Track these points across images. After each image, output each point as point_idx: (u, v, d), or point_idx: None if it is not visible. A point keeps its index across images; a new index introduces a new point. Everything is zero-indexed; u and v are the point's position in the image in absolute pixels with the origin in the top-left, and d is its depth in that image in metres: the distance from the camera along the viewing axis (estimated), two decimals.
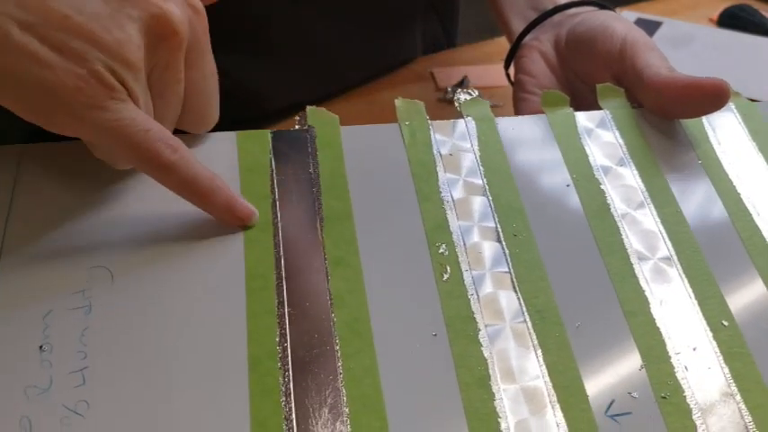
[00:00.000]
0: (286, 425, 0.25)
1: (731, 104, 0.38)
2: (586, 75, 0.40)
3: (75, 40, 0.26)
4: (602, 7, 0.43)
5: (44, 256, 0.29)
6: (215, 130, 0.34)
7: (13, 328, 0.26)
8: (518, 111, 0.42)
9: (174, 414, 0.25)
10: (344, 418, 0.25)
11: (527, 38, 0.44)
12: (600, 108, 0.37)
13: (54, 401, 0.25)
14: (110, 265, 0.28)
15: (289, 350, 0.27)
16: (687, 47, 0.55)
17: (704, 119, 0.37)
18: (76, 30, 0.26)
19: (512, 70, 0.45)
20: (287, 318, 0.28)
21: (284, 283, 0.28)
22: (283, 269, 0.29)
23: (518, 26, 0.45)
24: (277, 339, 0.27)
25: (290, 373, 0.26)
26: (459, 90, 0.47)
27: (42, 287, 0.28)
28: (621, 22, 0.40)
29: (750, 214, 0.33)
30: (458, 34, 0.61)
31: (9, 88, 0.26)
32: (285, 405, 0.25)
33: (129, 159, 0.29)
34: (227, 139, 0.33)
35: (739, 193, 0.34)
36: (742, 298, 0.30)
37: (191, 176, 0.28)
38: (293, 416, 0.25)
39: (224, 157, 0.32)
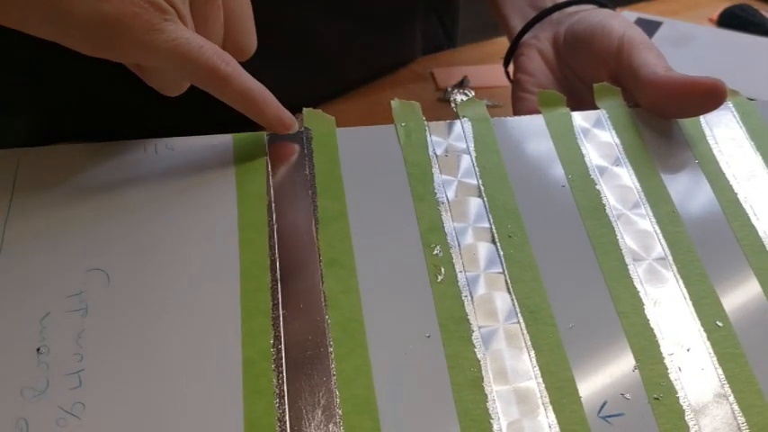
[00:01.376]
0: (279, 426, 0.25)
1: (729, 103, 0.38)
2: (584, 73, 0.40)
3: None
4: (602, 6, 0.43)
5: (41, 258, 0.29)
6: (213, 131, 0.34)
7: (11, 330, 0.27)
8: (516, 110, 0.42)
9: (168, 415, 0.25)
10: (337, 420, 0.25)
11: (526, 36, 0.44)
12: (597, 107, 0.37)
13: (50, 403, 0.25)
14: (106, 268, 0.29)
15: (283, 351, 0.27)
16: (687, 47, 0.55)
17: (702, 118, 0.36)
18: None
19: (511, 68, 0.45)
20: (281, 319, 0.28)
21: (279, 284, 0.29)
22: (278, 270, 0.29)
23: (517, 24, 0.45)
24: (271, 341, 0.27)
25: (284, 374, 0.26)
26: (456, 91, 0.47)
27: (40, 290, 0.28)
28: (619, 20, 0.40)
29: (747, 214, 0.33)
30: (458, 34, 0.61)
31: (73, 27, 0.28)
32: (279, 406, 0.26)
33: (189, 75, 0.31)
34: (224, 141, 0.34)
35: (736, 193, 0.34)
36: (737, 298, 0.30)
37: (246, 87, 0.31)
38: (286, 417, 0.25)
39: (220, 159, 0.33)
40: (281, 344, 0.27)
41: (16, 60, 0.45)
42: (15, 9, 0.28)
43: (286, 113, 0.33)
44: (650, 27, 0.57)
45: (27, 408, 0.25)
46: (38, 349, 0.26)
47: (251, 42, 0.34)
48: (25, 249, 0.29)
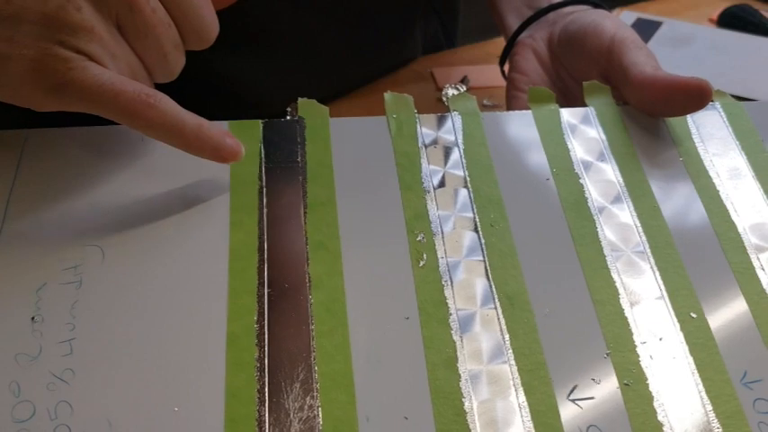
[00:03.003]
0: (258, 397, 0.26)
1: (717, 104, 0.38)
2: (577, 72, 0.41)
3: (21, 25, 0.27)
4: (597, 6, 0.44)
5: (41, 232, 0.30)
6: None
7: (8, 299, 0.28)
8: (510, 108, 0.43)
9: (153, 384, 0.26)
10: (315, 393, 0.26)
11: (522, 35, 0.45)
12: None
13: (42, 369, 0.26)
14: (101, 244, 0.30)
15: (266, 328, 0.28)
16: (687, 47, 0.55)
17: (689, 117, 0.37)
18: (16, 15, 0.27)
19: (507, 67, 0.46)
20: (266, 298, 0.29)
21: (266, 265, 0.30)
22: (266, 252, 0.30)
23: (513, 23, 0.46)
24: (255, 318, 0.28)
25: (266, 348, 0.27)
26: (448, 85, 0.48)
27: (38, 262, 0.29)
28: (611, 20, 0.40)
29: (727, 211, 0.33)
30: (458, 34, 0.62)
31: None
32: (258, 379, 0.27)
33: (114, 119, 0.29)
34: (220, 127, 0.35)
35: (718, 191, 0.34)
36: (712, 291, 0.31)
37: (173, 127, 0.29)
38: (266, 389, 0.26)
39: None
40: (264, 320, 0.28)
41: None
42: None
43: (229, 145, 0.30)
44: (650, 27, 0.58)
45: (20, 372, 0.26)
46: (32, 318, 0.28)
47: (211, 29, 0.32)
48: (27, 224, 0.30)
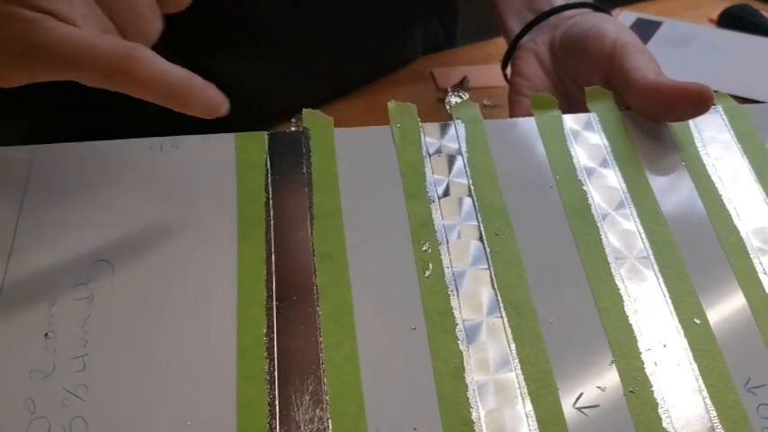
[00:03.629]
0: (269, 409, 0.27)
1: (718, 106, 0.38)
2: (579, 77, 0.41)
3: None
4: (598, 9, 0.44)
5: (52, 249, 0.31)
6: (216, 131, 0.35)
7: (22, 316, 0.28)
8: (512, 112, 0.43)
9: (166, 397, 0.27)
10: (324, 405, 0.27)
11: (523, 39, 0.45)
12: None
13: (56, 385, 0.27)
14: (111, 259, 0.30)
15: (275, 340, 0.28)
16: (687, 47, 0.55)
17: (691, 121, 0.37)
18: None
19: (509, 71, 0.46)
20: (275, 310, 0.29)
21: (273, 277, 0.30)
22: (273, 264, 0.31)
23: (515, 27, 0.46)
24: (264, 330, 0.29)
25: (276, 361, 0.28)
26: (451, 93, 0.48)
27: (50, 279, 0.30)
28: (613, 24, 0.41)
29: (730, 216, 0.34)
30: (458, 34, 0.62)
31: None
32: (269, 391, 0.27)
33: (92, 82, 0.27)
34: (226, 140, 0.35)
35: (720, 195, 0.34)
36: (716, 297, 0.31)
37: (160, 83, 0.27)
38: (276, 401, 0.27)
39: (222, 157, 0.34)
40: (273, 333, 0.29)
41: None
42: None
43: (212, 96, 0.28)
44: (650, 27, 0.58)
45: (35, 389, 0.27)
46: (46, 334, 0.28)
47: None
48: (38, 240, 0.31)
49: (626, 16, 0.60)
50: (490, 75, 0.52)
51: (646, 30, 0.57)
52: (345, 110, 0.51)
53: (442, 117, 0.37)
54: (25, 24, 0.25)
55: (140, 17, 0.28)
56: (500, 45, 0.48)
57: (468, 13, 0.62)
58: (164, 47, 0.47)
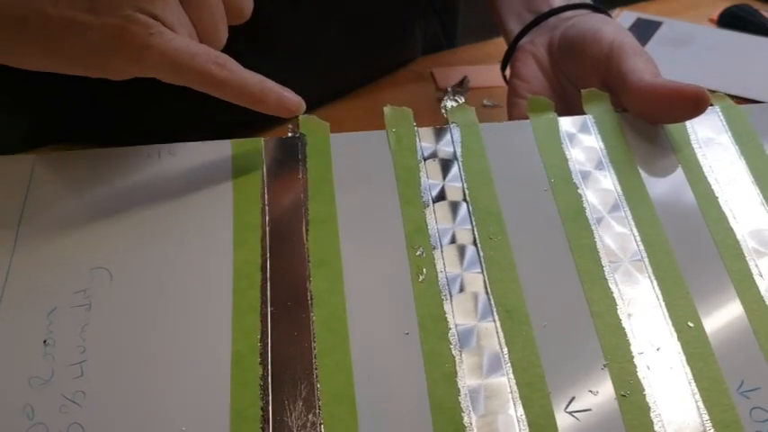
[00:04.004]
0: (262, 415, 0.27)
1: (716, 108, 0.38)
2: (577, 79, 0.41)
3: None
4: (597, 10, 0.44)
5: (51, 256, 0.31)
6: (214, 137, 0.36)
7: (21, 323, 0.29)
8: (511, 115, 0.43)
9: (161, 403, 0.27)
10: (317, 410, 0.27)
11: (522, 40, 0.45)
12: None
13: (54, 391, 0.27)
14: (109, 267, 0.31)
15: (269, 347, 0.29)
16: (687, 47, 0.55)
17: (688, 122, 0.37)
18: None
19: (508, 72, 0.46)
20: (269, 316, 0.30)
21: (269, 283, 0.31)
22: (269, 270, 0.31)
23: (514, 28, 0.46)
24: (259, 336, 0.29)
25: (269, 367, 0.28)
26: (446, 97, 0.48)
27: (49, 286, 0.30)
28: (611, 26, 0.41)
29: (726, 218, 0.34)
30: (458, 34, 0.62)
31: (64, 58, 0.30)
32: (262, 397, 0.27)
33: (185, 82, 0.31)
34: (223, 146, 0.35)
35: (717, 197, 0.34)
36: (710, 300, 0.31)
37: (241, 87, 0.31)
38: (269, 407, 0.27)
39: (219, 163, 0.35)
40: (267, 339, 0.29)
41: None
42: (10, 50, 0.30)
43: (288, 98, 0.33)
44: (650, 27, 0.57)
45: (33, 395, 0.27)
46: (44, 341, 0.29)
47: (248, 3, 0.35)
48: (37, 248, 0.31)
49: (626, 16, 0.59)
50: (490, 75, 0.52)
51: (646, 30, 0.57)
52: (345, 110, 0.51)
53: (442, 117, 0.37)
54: (142, 28, 0.29)
55: (217, 27, 0.33)
56: (500, 45, 0.48)
57: (468, 13, 0.62)
58: None
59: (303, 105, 0.33)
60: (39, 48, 0.30)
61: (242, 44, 0.47)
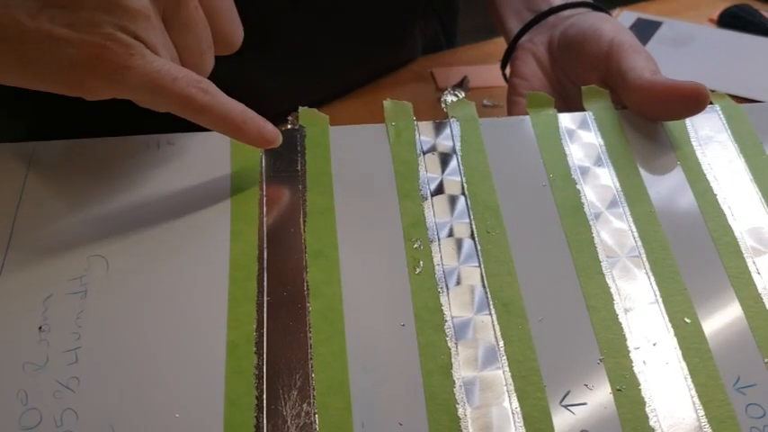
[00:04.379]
0: (257, 404, 0.27)
1: (716, 106, 0.38)
2: (577, 77, 0.41)
3: (80, 11, 0.28)
4: (597, 9, 0.44)
5: (48, 244, 0.31)
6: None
7: (17, 309, 0.29)
8: (511, 113, 0.43)
9: (155, 391, 0.27)
10: (311, 400, 0.27)
11: (522, 39, 0.45)
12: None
13: (49, 377, 0.27)
14: (106, 255, 0.31)
15: (265, 336, 0.29)
16: (687, 47, 0.55)
17: (687, 120, 0.37)
18: (79, 1, 0.28)
19: (508, 70, 0.46)
20: (265, 306, 0.30)
21: (265, 273, 0.30)
22: (265, 260, 0.31)
23: (514, 26, 0.46)
24: (254, 326, 0.29)
25: (264, 357, 0.28)
26: (447, 91, 0.48)
27: (45, 273, 0.30)
28: (611, 24, 0.41)
29: (724, 215, 0.33)
30: (458, 34, 0.62)
31: (38, 73, 0.28)
32: (257, 386, 0.27)
33: (165, 107, 0.30)
34: (222, 137, 0.35)
35: (715, 195, 0.34)
36: (707, 296, 0.31)
37: (223, 114, 0.30)
38: (264, 396, 0.27)
39: (218, 155, 0.35)
40: (263, 329, 0.29)
41: None
42: None
43: (268, 129, 0.32)
44: (650, 27, 0.57)
45: (27, 380, 0.27)
46: (40, 327, 0.28)
47: (238, 34, 0.34)
48: (34, 235, 0.31)
49: (626, 16, 0.59)
50: (490, 75, 0.53)
51: (646, 30, 0.57)
52: (345, 110, 0.51)
53: (442, 117, 0.37)
54: (123, 48, 0.28)
55: (202, 55, 0.32)
56: (500, 45, 0.48)
57: (468, 13, 0.62)
58: None
59: (281, 138, 0.32)
60: (12, 60, 0.28)
61: (242, 44, 0.47)
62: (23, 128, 0.52)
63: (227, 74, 0.50)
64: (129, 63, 0.28)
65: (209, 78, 0.31)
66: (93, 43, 0.27)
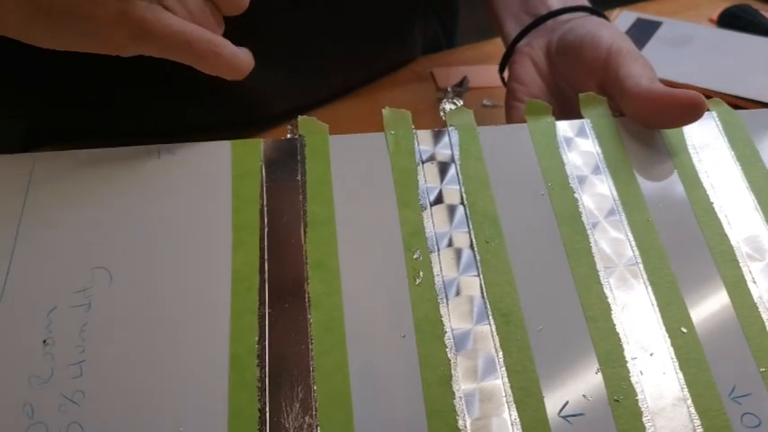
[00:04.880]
0: (260, 416, 0.27)
1: (713, 113, 0.38)
2: (575, 82, 0.42)
3: None
4: (595, 13, 0.44)
5: (51, 256, 0.31)
6: (215, 137, 0.36)
7: (22, 322, 0.29)
8: (508, 118, 0.43)
9: (159, 404, 0.28)
10: (313, 412, 0.28)
11: (520, 43, 0.45)
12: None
13: (54, 391, 0.28)
14: (109, 267, 0.31)
15: (267, 348, 0.29)
16: (687, 47, 0.55)
17: (684, 127, 0.37)
18: None
19: (506, 74, 0.47)
20: (267, 318, 0.30)
21: (267, 284, 0.31)
22: (267, 272, 0.31)
23: (512, 30, 0.46)
24: (256, 338, 0.29)
25: (267, 369, 0.29)
26: (445, 100, 0.48)
27: (49, 285, 0.30)
28: (609, 30, 0.41)
29: (720, 224, 0.34)
30: (458, 34, 0.62)
31: (66, 29, 0.31)
32: (260, 399, 0.28)
33: (183, 61, 0.33)
34: (222, 147, 0.36)
35: (712, 203, 0.35)
36: (704, 306, 0.31)
37: (232, 67, 0.34)
38: (267, 408, 0.28)
39: (218, 164, 0.35)
40: (265, 341, 0.29)
41: (18, 63, 0.48)
42: (19, 23, 0.31)
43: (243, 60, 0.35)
44: (650, 27, 0.57)
45: (33, 394, 0.27)
46: (44, 341, 0.29)
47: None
48: (37, 247, 0.32)
49: (626, 16, 0.59)
50: (490, 75, 0.53)
51: (646, 30, 0.57)
52: (345, 110, 0.51)
53: (441, 117, 0.37)
54: (149, 12, 0.31)
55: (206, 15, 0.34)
56: (499, 45, 0.49)
57: (467, 13, 0.62)
58: None
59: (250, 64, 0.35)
60: (42, 19, 0.31)
61: (241, 45, 0.47)
62: (23, 128, 0.53)
63: None
64: (150, 26, 0.31)
65: (202, 74, 0.34)
66: (117, 10, 0.30)
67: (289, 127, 0.37)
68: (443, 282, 0.31)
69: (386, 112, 0.37)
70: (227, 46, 0.34)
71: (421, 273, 0.31)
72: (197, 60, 0.33)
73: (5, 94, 0.50)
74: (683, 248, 0.33)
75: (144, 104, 0.49)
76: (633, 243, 0.33)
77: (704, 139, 0.37)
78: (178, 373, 0.28)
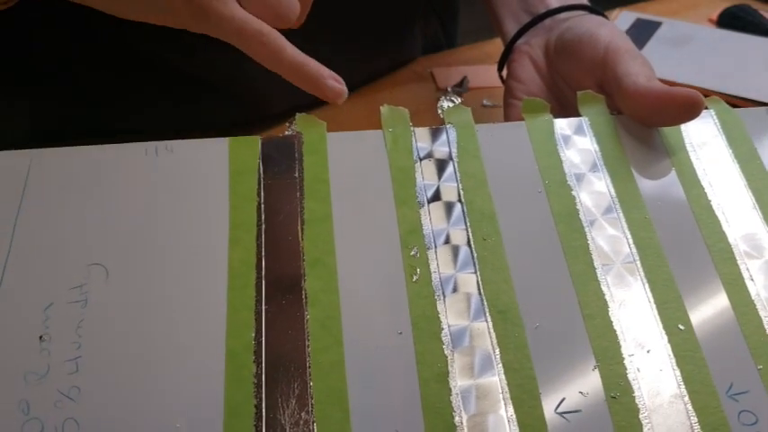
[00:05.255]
0: (256, 413, 0.27)
1: (711, 111, 0.38)
2: (573, 81, 0.42)
3: None
4: (593, 12, 0.44)
5: (48, 252, 0.31)
6: (214, 136, 0.36)
7: (18, 318, 0.29)
8: (507, 116, 0.43)
9: (155, 400, 0.27)
10: (310, 408, 0.28)
11: (519, 41, 0.45)
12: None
13: (50, 387, 0.28)
14: (106, 263, 0.31)
15: (263, 345, 0.29)
16: (687, 47, 0.55)
17: (682, 125, 0.37)
18: None
19: (505, 72, 0.47)
20: (264, 315, 0.30)
21: (263, 281, 0.31)
22: (263, 269, 0.31)
23: (511, 28, 0.46)
24: (253, 334, 0.29)
25: (263, 365, 0.28)
26: (443, 98, 0.48)
27: (45, 282, 0.30)
28: (607, 28, 0.41)
29: (718, 221, 0.34)
30: (458, 34, 0.62)
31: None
32: (256, 395, 0.28)
33: (237, 46, 0.35)
34: (220, 144, 0.36)
35: (710, 201, 0.35)
36: (701, 303, 0.31)
37: (278, 60, 0.36)
38: (263, 405, 0.27)
39: (216, 161, 0.35)
40: (262, 337, 0.29)
41: (18, 63, 0.48)
42: None
43: (327, 84, 0.36)
44: (650, 27, 0.57)
45: (29, 391, 0.27)
46: (40, 337, 0.29)
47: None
48: (34, 243, 0.32)
49: (625, 16, 0.59)
50: (490, 75, 0.52)
51: (645, 30, 0.57)
52: (345, 110, 0.51)
53: (440, 120, 0.37)
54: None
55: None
56: (499, 45, 0.49)
57: (468, 12, 0.62)
58: (166, 47, 0.47)
59: (345, 95, 0.36)
60: None
61: None
62: (23, 127, 0.53)
63: (226, 73, 0.50)
64: (212, 10, 0.33)
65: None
66: None
67: (287, 124, 0.37)
68: (440, 279, 0.31)
69: (384, 109, 0.37)
70: (276, 40, 0.35)
71: (418, 270, 0.31)
72: (246, 48, 0.35)
73: (6, 92, 0.50)
74: (680, 246, 0.33)
75: (144, 104, 0.49)
76: (630, 240, 0.33)
77: (702, 138, 0.37)
78: (174, 369, 0.28)
